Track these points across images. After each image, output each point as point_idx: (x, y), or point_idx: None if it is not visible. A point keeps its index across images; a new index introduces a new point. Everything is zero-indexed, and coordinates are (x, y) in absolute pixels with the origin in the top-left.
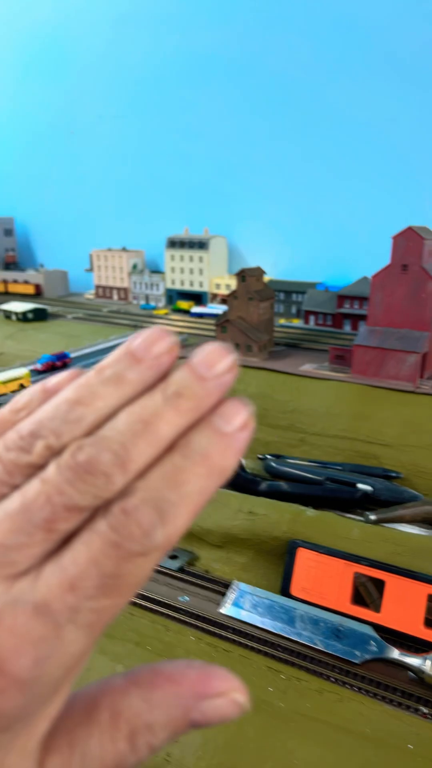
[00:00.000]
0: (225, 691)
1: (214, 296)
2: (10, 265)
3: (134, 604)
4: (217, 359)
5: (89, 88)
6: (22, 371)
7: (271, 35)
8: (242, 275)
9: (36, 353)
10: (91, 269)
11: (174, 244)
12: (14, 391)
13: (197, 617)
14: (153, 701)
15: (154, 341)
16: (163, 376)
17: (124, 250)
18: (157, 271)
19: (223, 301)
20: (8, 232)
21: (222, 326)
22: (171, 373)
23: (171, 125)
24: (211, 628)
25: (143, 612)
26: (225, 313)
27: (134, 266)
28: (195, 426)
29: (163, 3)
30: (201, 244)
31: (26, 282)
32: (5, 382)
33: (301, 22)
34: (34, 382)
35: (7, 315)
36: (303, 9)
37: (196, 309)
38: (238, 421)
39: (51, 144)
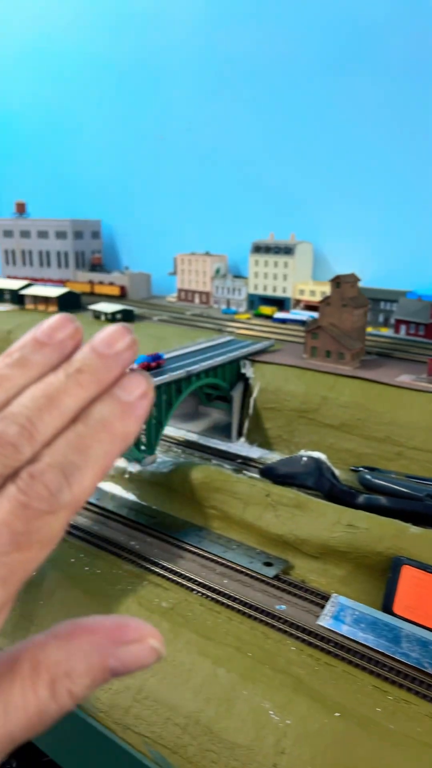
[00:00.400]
0: (140, 637)
1: (298, 302)
2: (96, 266)
3: (231, 608)
4: (117, 338)
5: (180, 94)
6: None
7: (364, 49)
8: (337, 281)
9: None
10: (174, 272)
11: (259, 249)
12: None
13: (296, 627)
14: (71, 650)
15: (57, 328)
16: (67, 358)
17: (207, 254)
18: (239, 275)
19: (308, 307)
20: (95, 235)
21: (313, 332)
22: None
23: (258, 130)
24: (312, 640)
25: (241, 617)
26: (315, 320)
27: (217, 270)
28: (98, 398)
29: (252, 12)
30: (287, 250)
31: (111, 284)
32: None
33: (405, 32)
34: None
35: (96, 315)
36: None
37: (279, 314)
38: (138, 391)
39: (140, 149)
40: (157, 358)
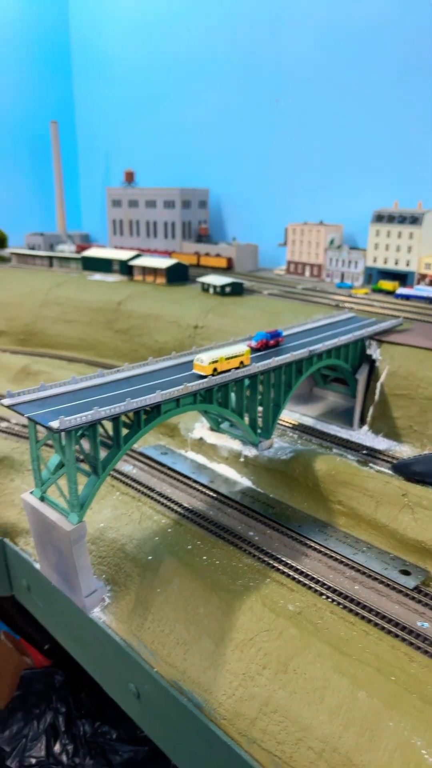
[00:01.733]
0: None
1: (423, 277)
2: (203, 237)
3: (366, 619)
4: None
5: (299, 52)
6: (243, 348)
7: None
8: None
9: (237, 328)
10: (284, 243)
11: (381, 218)
12: (236, 368)
13: None
14: None
15: None
16: None
17: (321, 224)
18: (355, 247)
19: None
20: (203, 204)
21: None
22: None
23: (382, 86)
24: None
25: (379, 632)
26: None
27: (331, 241)
28: None
29: None
30: (413, 219)
31: (218, 255)
32: (228, 359)
33: None
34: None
35: (205, 288)
36: None
37: (402, 290)
38: None
39: (253, 114)
40: (276, 335)
